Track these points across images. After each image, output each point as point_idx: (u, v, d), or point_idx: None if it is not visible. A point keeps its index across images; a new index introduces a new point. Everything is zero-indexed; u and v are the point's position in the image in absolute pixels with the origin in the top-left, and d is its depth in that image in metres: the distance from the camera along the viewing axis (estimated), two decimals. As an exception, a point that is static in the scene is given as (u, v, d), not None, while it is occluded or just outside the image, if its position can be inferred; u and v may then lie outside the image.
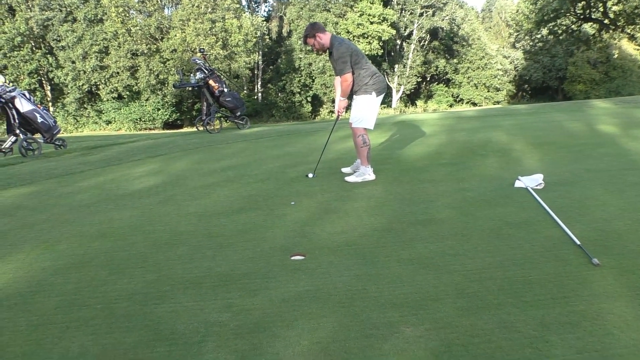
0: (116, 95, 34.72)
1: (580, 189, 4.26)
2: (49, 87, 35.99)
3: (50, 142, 9.45)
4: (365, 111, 5.00)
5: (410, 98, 41.82)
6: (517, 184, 4.49)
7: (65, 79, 34.12)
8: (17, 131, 8.73)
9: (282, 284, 2.80)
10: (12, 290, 2.86)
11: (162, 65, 32.93)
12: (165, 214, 4.19)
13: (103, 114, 35.49)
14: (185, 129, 32.12)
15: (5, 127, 9.23)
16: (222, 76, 12.68)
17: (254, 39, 34.43)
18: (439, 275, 2.80)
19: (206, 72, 11.00)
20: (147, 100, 34.22)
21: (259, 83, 39.30)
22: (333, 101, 37.76)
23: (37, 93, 34.84)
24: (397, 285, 2.71)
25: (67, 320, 2.49)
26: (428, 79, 43.55)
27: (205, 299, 2.66)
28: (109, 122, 35.50)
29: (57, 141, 9.67)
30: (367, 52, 34.96)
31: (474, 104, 40.42)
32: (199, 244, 3.47)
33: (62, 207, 4.56)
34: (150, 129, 34.16)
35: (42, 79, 35.39)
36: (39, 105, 9.09)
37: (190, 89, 12.00)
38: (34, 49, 33.98)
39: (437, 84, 43.21)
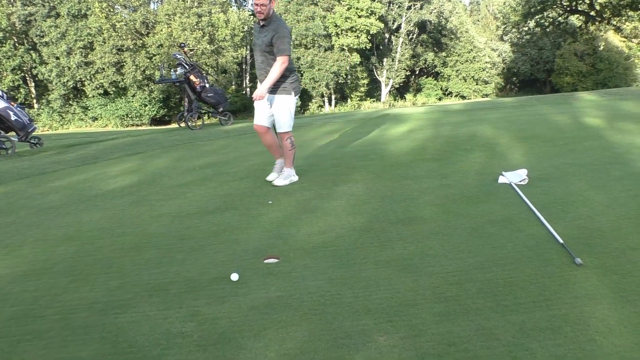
0: (102, 92, 34.24)
1: (564, 185, 4.16)
2: (33, 84, 35.40)
3: (25, 141, 9.21)
4: (291, 114, 4.64)
5: (399, 92, 41.73)
6: (501, 179, 4.38)
7: (49, 76, 33.53)
8: None
9: (252, 290, 2.67)
10: (-34, 300, 2.71)
11: (148, 60, 32.50)
12: (136, 216, 4.03)
13: (89, 110, 35.01)
14: (172, 125, 31.70)
15: None
16: (203, 71, 12.44)
17: (241, 34, 34.09)
18: (417, 278, 2.68)
19: (187, 67, 10.78)
20: (133, 96, 33.80)
21: (247, 78, 38.95)
22: (306, 94, 37.52)
23: (21, 90, 34.32)
24: (373, 290, 2.58)
25: (19, 333, 2.34)
26: (417, 72, 43.48)
27: (170, 307, 2.52)
28: (95, 119, 35.04)
29: (33, 139, 9.43)
30: (355, 46, 34.80)
31: (463, 97, 40.43)
32: (169, 247, 3.32)
33: (29, 209, 4.38)
34: (137, 125, 33.75)
35: (26, 75, 34.79)
36: (12, 103, 8.84)
37: (175, 84, 11.73)
38: (16, 45, 33.39)
39: (426, 78, 43.15)
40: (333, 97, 38.05)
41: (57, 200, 4.64)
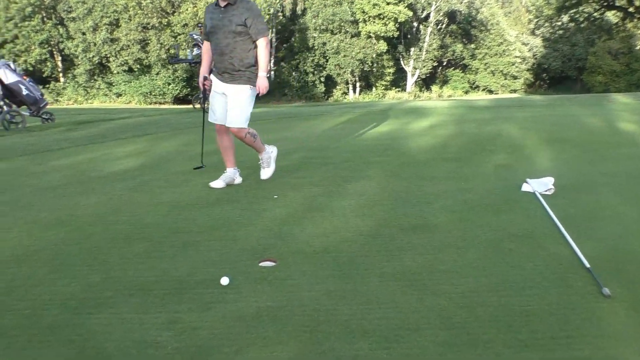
0: (127, 68, 34.35)
1: (594, 196, 3.83)
2: (59, 58, 35.73)
3: (36, 116, 9.13)
4: (251, 108, 4.10)
5: (426, 83, 40.99)
6: (525, 187, 4.06)
7: (75, 50, 33.80)
8: (1, 103, 8.41)
9: (242, 297, 2.44)
10: (-62, 288, 2.53)
11: (173, 39, 32.41)
12: (134, 202, 3.84)
13: (113, 86, 35.18)
14: (188, 106, 31.64)
15: None
16: None
17: (267, 16, 33.73)
18: (423, 297, 2.42)
19: (203, 48, 10.55)
20: (157, 74, 33.79)
21: (272, 61, 38.67)
22: (331, 80, 36.92)
23: (48, 64, 34.65)
24: (373, 307, 2.33)
25: (-17, 330, 2.15)
26: (444, 63, 42.61)
27: (149, 311, 2.30)
28: (119, 95, 35.19)
29: (44, 115, 9.34)
30: (382, 34, 34.14)
31: (490, 92, 39.53)
32: (161, 240, 3.11)
33: (26, 189, 4.23)
34: (160, 104, 33.80)
35: (53, 49, 35.11)
36: (24, 77, 8.74)
37: (191, 65, 11.51)
38: (44, 19, 33.67)
39: (453, 70, 42.25)
40: (358, 84, 37.56)
41: (56, 180, 4.48)
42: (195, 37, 10.89)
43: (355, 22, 34.83)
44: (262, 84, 3.98)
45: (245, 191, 4.13)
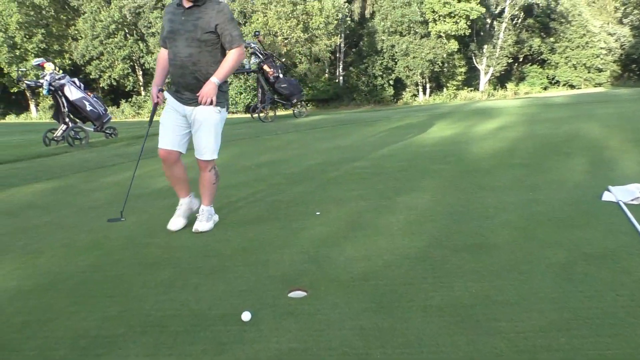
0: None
1: (694, 208, 3.21)
2: (140, 72, 37.66)
3: (100, 131, 9.41)
4: (219, 134, 3.38)
5: (500, 80, 39.14)
6: (606, 196, 3.50)
7: (154, 65, 35.39)
8: (67, 119, 8.72)
9: (262, 336, 2.15)
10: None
11: (261, 47, 33.13)
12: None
13: (190, 97, 36.49)
14: (245, 115, 32.05)
15: (53, 115, 9.34)
16: (278, 61, 12.14)
17: (335, 21, 33.67)
18: (474, 338, 2.02)
19: (261, 56, 10.49)
20: (230, 84, 34.62)
21: (341, 66, 38.58)
22: (400, 83, 36.12)
23: (130, 78, 36.64)
24: (412, 351, 1.97)
25: (-16, 373, 2.01)
26: (520, 59, 40.50)
27: (159, 352, 2.07)
28: (196, 106, 36.46)
29: (108, 130, 9.62)
30: (453, 33, 33.01)
31: (572, 87, 37.06)
32: (188, 267, 2.90)
33: (71, 208, 4.21)
34: (232, 113, 34.72)
35: (135, 64, 37.07)
36: (88, 93, 9.03)
37: (249, 74, 11.56)
38: (127, 35, 35.58)
39: (531, 65, 40.05)
40: (428, 85, 36.58)
41: (102, 198, 4.44)
42: (253, 45, 10.86)
43: (424, 23, 33.95)
44: (207, 90, 3.10)
45: (287, 207, 3.86)
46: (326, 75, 37.75)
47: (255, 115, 11.11)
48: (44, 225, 3.80)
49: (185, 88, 3.18)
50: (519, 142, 5.62)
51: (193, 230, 3.37)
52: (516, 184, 4.03)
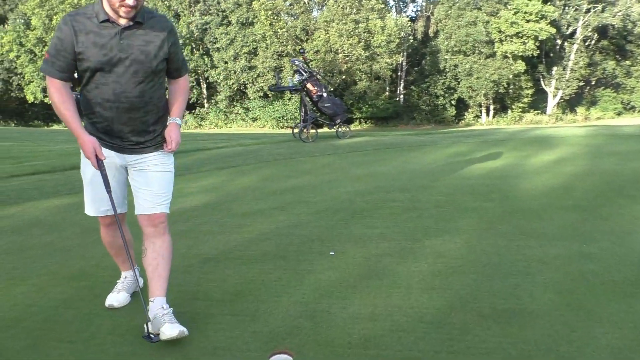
0: (262, 94, 36.07)
1: None
2: (205, 86, 38.77)
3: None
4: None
5: (570, 104, 37.14)
6: (677, 257, 2.88)
7: (217, 78, 36.48)
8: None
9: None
10: None
11: (305, 65, 33.33)
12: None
13: (250, 111, 37.18)
14: (323, 130, 31.92)
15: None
16: (322, 80, 11.95)
17: (397, 40, 33.26)
18: None
19: (304, 74, 10.22)
20: (289, 99, 34.95)
21: (402, 85, 38.04)
22: (463, 103, 34.93)
23: (194, 91, 37.80)
24: None
25: None
26: (593, 83, 38.34)
27: None
28: (254, 120, 37.08)
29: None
30: (520, 53, 31.73)
31: (650, 114, 34.58)
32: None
33: (77, 227, 4.03)
34: (291, 127, 34.93)
35: (200, 77, 38.23)
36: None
37: (292, 92, 11.41)
38: (193, 50, 36.73)
39: (604, 89, 37.76)
40: (492, 107, 35.32)
41: (114, 220, 4.23)
42: (297, 63, 10.65)
43: (490, 42, 32.91)
44: (176, 134, 2.37)
45: (300, 243, 3.48)
46: (386, 93, 37.30)
47: (297, 130, 10.84)
48: (41, 247, 3.62)
49: (131, 133, 2.31)
50: (576, 180, 4.97)
51: (171, 335, 2.16)
52: (567, 232, 3.45)
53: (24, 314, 2.56)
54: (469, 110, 35.86)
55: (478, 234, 3.51)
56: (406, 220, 3.89)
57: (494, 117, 35.21)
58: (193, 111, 38.02)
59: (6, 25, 38.09)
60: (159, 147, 2.39)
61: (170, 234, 2.47)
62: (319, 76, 11.42)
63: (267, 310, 2.53)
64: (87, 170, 2.39)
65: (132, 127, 2.32)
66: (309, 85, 10.19)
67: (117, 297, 2.63)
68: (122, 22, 2.19)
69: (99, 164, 2.25)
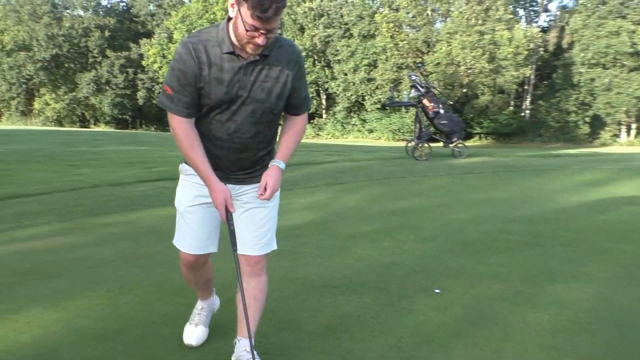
0: (379, 106, 36.05)
1: None
2: (324, 97, 39.69)
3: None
4: None
5: None
6: None
7: (337, 90, 37.16)
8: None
9: None
10: None
11: (423, 80, 32.71)
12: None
13: (366, 123, 37.31)
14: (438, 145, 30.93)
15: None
16: (441, 96, 11.46)
17: (526, 52, 31.35)
18: None
19: (421, 89, 9.83)
20: (407, 112, 34.48)
21: (528, 99, 35.77)
22: (599, 121, 31.73)
23: (314, 101, 38.88)
24: None
25: None
26: None
27: None
28: (371, 131, 37.12)
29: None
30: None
31: None
32: (258, 340, 2.44)
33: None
34: (408, 142, 34.47)
35: (320, 89, 39.21)
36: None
37: (407, 108, 11.10)
38: (315, 62, 37.79)
39: None
40: (634, 125, 31.88)
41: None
42: (414, 77, 10.30)
43: (635, 54, 29.76)
44: (275, 183, 2.02)
45: (403, 276, 3.22)
46: (510, 107, 35.28)
47: (411, 145, 10.48)
48: (150, 256, 3.74)
49: (239, 169, 2.10)
50: None
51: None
52: None
53: (125, 327, 2.62)
54: (606, 128, 32.69)
55: (614, 283, 3.01)
56: (525, 259, 3.47)
57: (635, 137, 31.75)
58: (312, 121, 39.05)
59: (152, 39, 42.05)
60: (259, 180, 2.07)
61: (267, 274, 2.23)
62: (436, 91, 10.99)
63: (360, 352, 2.33)
64: (182, 203, 2.17)
65: (240, 165, 2.08)
66: (425, 101, 9.83)
67: (195, 335, 2.40)
68: (248, 56, 1.89)
69: (228, 217, 1.98)
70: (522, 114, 35.67)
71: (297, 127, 2.11)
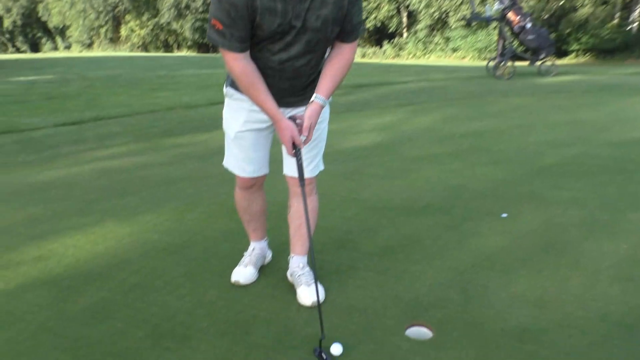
0: (464, 23, 33.86)
1: None
2: (405, 14, 37.82)
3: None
4: None
5: None
6: None
7: (418, 6, 35.16)
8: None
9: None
10: None
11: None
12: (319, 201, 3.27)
13: (450, 41, 35.33)
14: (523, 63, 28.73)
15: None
16: (525, 7, 10.38)
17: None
18: None
19: (505, 2, 8.93)
20: (494, 28, 32.20)
21: (637, 10, 31.99)
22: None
23: (394, 19, 37.19)
24: None
25: None
26: None
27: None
28: (454, 50, 35.20)
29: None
30: None
31: None
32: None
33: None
34: (493, 60, 32.43)
35: (401, 6, 37.30)
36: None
37: (489, 22, 10.21)
38: (395, -22, 35.78)
39: None
40: None
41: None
42: (497, -12, 9.40)
43: None
44: (315, 122, 1.91)
45: (468, 199, 3.08)
46: (615, 20, 31.78)
47: (492, 63, 9.77)
48: (216, 175, 3.83)
49: (291, 95, 2.00)
50: None
51: (304, 303, 2.12)
52: None
53: (189, 241, 2.74)
54: None
55: None
56: (608, 184, 3.18)
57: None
58: (392, 40, 37.57)
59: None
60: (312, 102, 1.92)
61: (317, 193, 2.23)
62: (522, 4, 10.03)
63: (415, 273, 2.29)
64: (231, 128, 2.11)
65: (292, 91, 1.97)
66: (510, 15, 8.97)
67: (244, 273, 2.35)
68: None
69: (296, 152, 1.91)
70: (629, 27, 32.06)
71: (344, 58, 1.91)
